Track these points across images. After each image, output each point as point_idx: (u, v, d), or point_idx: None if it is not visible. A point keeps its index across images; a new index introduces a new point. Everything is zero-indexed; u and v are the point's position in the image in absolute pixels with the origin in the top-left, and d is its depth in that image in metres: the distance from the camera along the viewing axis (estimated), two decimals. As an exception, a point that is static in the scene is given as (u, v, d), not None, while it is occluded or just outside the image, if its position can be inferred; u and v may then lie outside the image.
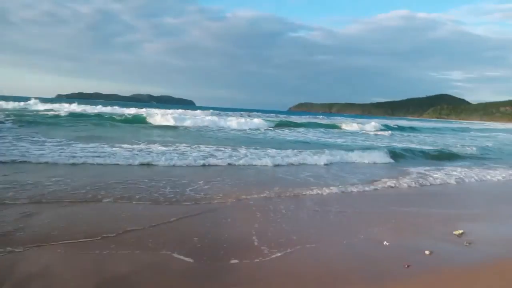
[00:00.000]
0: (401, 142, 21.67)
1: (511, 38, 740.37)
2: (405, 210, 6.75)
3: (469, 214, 6.74)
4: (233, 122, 25.96)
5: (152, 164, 9.25)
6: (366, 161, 12.25)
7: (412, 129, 41.25)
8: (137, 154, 10.10)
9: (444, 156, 15.04)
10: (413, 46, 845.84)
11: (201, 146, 12.75)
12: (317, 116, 63.07)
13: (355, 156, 12.45)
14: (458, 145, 20.12)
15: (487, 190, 9.37)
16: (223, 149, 12.37)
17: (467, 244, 4.90)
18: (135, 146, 11.57)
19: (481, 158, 15.83)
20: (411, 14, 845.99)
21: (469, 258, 4.50)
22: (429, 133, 35.29)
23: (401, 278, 3.89)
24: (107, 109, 31.69)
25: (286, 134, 22.83)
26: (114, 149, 10.72)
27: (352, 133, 27.82)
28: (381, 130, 34.39)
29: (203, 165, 9.62)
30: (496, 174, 11.15)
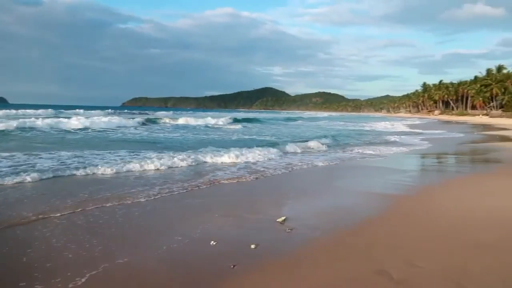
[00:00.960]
0: (261, 134, 22.58)
1: (318, 38, 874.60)
2: (234, 203, 6.66)
3: (293, 198, 7.11)
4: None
5: None
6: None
7: (258, 120, 45.25)
8: None
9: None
10: (239, 42, 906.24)
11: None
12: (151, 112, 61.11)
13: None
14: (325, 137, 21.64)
15: (315, 175, 10.22)
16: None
17: (289, 230, 4.99)
18: None
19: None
20: (235, 12, 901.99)
21: (290, 246, 4.54)
22: (276, 124, 39.62)
23: (226, 282, 3.58)
24: None
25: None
26: None
27: (209, 128, 28.46)
28: (232, 123, 36.32)
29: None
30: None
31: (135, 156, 10.87)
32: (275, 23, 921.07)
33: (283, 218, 5.45)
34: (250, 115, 68.08)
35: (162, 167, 9.51)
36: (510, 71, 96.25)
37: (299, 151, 13.86)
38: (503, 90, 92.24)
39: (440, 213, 5.98)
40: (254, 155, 11.68)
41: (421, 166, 12.46)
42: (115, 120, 28.42)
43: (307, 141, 16.43)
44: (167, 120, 35.41)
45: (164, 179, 8.28)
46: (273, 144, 14.94)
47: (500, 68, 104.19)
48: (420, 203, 6.65)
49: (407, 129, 35.89)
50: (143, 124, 30.04)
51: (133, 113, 49.40)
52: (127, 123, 27.79)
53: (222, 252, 4.30)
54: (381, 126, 43.31)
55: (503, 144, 18.86)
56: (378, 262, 3.95)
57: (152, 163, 9.57)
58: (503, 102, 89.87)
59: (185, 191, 7.29)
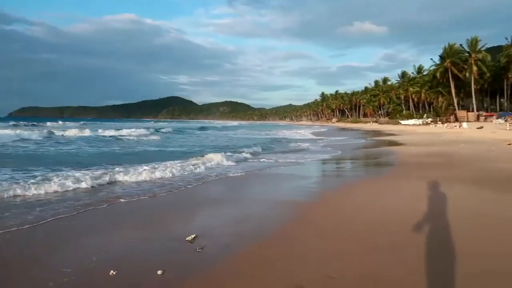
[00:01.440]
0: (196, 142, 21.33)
1: (224, 48, 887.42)
2: (139, 222, 6.07)
3: (203, 213, 6.74)
4: None
5: None
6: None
7: (179, 131, 44.46)
8: None
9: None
10: (143, 50, 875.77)
11: None
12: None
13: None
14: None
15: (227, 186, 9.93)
16: None
17: (200, 249, 4.63)
18: None
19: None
20: (138, 18, 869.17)
21: (201, 268, 4.17)
22: (189, 134, 38.70)
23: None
24: None
25: None
26: None
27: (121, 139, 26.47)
28: (151, 134, 34.39)
29: None
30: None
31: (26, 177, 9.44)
32: (180, 32, 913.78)
33: (192, 236, 5.06)
34: (162, 124, 66.16)
35: (57, 188, 8.30)
36: (394, 83, 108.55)
37: (220, 161, 13.36)
38: (388, 99, 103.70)
39: (344, 218, 6.18)
40: (167, 168, 10.98)
41: (327, 172, 13.08)
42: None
43: (233, 151, 16.47)
44: (62, 132, 32.21)
45: (55, 201, 7.27)
46: (188, 155, 14.46)
47: (385, 80, 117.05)
48: (326, 209, 6.83)
49: (314, 137, 38.11)
50: (47, 137, 26.82)
51: (19, 125, 44.14)
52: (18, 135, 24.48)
53: (123, 283, 3.76)
54: (291, 134, 45.65)
55: (392, 148, 20.92)
56: (295, 277, 3.82)
57: (43, 185, 8.34)
58: (389, 110, 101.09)
59: (78, 212, 6.45)
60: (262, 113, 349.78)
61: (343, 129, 68.14)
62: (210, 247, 4.75)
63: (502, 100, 69.61)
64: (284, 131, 54.87)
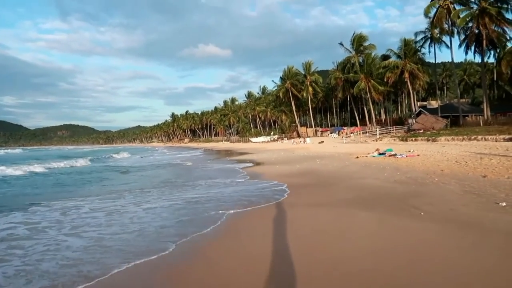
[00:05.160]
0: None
1: (58, 67, 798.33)
2: None
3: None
4: None
5: None
6: None
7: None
8: None
9: None
10: None
11: None
12: None
13: None
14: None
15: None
16: None
17: None
18: None
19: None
20: None
21: None
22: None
23: None
24: None
25: None
26: None
27: None
28: None
29: None
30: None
31: None
32: (1, 46, 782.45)
33: None
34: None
35: None
36: (241, 103, 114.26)
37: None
38: (237, 118, 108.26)
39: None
40: None
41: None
42: None
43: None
44: None
45: None
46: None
47: (233, 100, 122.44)
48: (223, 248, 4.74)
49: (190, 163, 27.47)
50: None
51: None
52: None
53: None
54: (156, 159, 39.31)
55: (256, 168, 20.08)
56: None
57: None
58: (239, 129, 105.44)
59: None
60: (108, 136, 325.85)
61: (210, 150, 66.61)
62: None
63: (331, 116, 79.88)
64: (152, 155, 49.29)
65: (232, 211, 8.31)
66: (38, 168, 24.38)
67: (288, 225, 6.88)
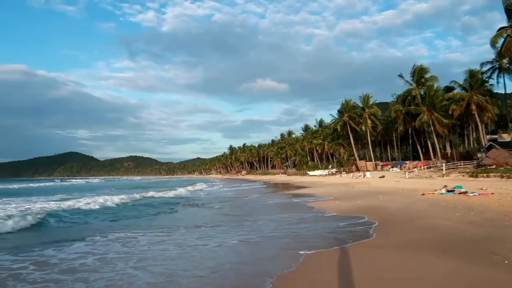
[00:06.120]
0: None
1: (127, 102, 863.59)
2: None
3: None
4: None
5: None
6: None
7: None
8: None
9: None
10: (34, 103, 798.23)
11: None
12: None
13: None
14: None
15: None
16: None
17: None
18: None
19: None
20: (29, 70, 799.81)
21: None
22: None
23: None
24: None
25: None
26: None
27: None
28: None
29: None
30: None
31: None
32: (78, 84, 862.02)
33: None
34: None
35: None
36: (298, 136, 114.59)
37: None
38: (294, 151, 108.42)
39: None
40: None
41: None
42: None
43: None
44: None
45: None
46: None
47: (290, 133, 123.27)
48: None
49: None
50: None
51: None
52: None
53: None
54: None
55: (321, 204, 20.12)
56: None
57: None
58: (296, 162, 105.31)
59: None
60: (170, 167, 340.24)
61: (268, 183, 67.42)
62: None
63: (391, 150, 77.20)
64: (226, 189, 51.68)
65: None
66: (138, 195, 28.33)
67: (349, 268, 6.96)
